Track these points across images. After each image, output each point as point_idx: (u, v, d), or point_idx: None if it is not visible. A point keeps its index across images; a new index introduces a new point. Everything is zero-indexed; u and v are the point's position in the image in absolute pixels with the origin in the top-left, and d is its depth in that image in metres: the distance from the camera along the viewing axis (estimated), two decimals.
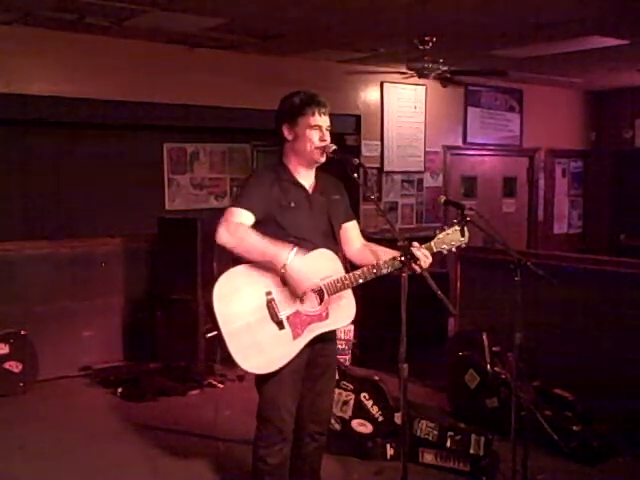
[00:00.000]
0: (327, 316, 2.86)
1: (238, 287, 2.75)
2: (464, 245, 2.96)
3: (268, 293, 2.76)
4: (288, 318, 2.78)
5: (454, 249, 2.95)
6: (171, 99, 6.16)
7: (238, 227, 2.75)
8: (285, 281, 2.73)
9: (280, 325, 2.77)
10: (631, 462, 3.99)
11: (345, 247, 3.05)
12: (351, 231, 3.12)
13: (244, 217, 2.79)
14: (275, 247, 2.70)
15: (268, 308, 2.76)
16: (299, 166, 2.94)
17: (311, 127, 2.86)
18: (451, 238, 2.92)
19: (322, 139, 2.88)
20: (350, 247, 3.08)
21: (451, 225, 2.93)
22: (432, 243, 2.89)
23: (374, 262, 2.85)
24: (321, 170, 3.02)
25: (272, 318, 2.76)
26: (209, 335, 2.75)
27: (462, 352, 4.65)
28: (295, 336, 2.79)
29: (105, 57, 5.77)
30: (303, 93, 2.92)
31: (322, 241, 2.92)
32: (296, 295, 2.76)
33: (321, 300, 2.84)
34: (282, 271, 2.69)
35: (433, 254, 2.87)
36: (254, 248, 2.72)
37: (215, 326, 2.71)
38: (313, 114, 2.86)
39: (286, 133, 2.90)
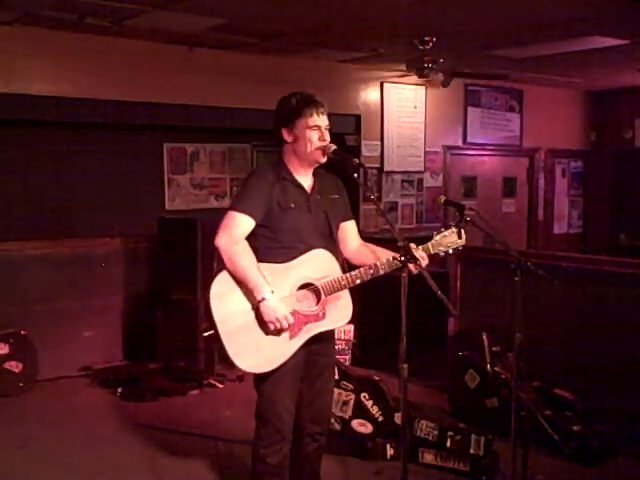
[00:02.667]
0: (324, 316, 2.86)
1: (235, 286, 2.76)
2: (460, 247, 2.97)
3: None
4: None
5: (451, 251, 2.96)
6: (171, 99, 6.16)
7: (238, 242, 2.77)
8: (259, 313, 2.74)
9: None
10: (631, 462, 3.99)
11: (342, 246, 3.05)
12: (349, 230, 3.11)
13: (245, 223, 2.80)
14: (258, 281, 2.71)
15: None
16: (299, 167, 2.94)
17: (310, 128, 2.85)
18: (448, 240, 2.93)
19: (322, 139, 2.87)
20: (348, 246, 3.08)
21: (448, 227, 2.95)
22: (429, 245, 2.91)
23: (372, 262, 2.86)
24: (320, 168, 3.01)
25: None
26: (206, 334, 2.76)
27: (462, 352, 4.65)
28: (292, 336, 2.79)
29: (105, 57, 5.77)
30: (300, 94, 2.90)
31: (321, 242, 2.92)
32: (268, 327, 2.74)
33: (318, 300, 2.84)
34: (259, 304, 2.71)
35: (430, 256, 2.89)
36: (242, 270, 2.73)
37: (212, 325, 2.72)
38: (311, 115, 2.85)
39: (285, 135, 2.89)
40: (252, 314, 2.75)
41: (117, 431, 4.53)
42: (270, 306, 2.70)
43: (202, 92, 6.27)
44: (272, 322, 2.71)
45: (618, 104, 9.11)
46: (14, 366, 5.25)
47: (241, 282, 2.75)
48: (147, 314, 5.97)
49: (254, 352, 2.74)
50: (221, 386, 5.38)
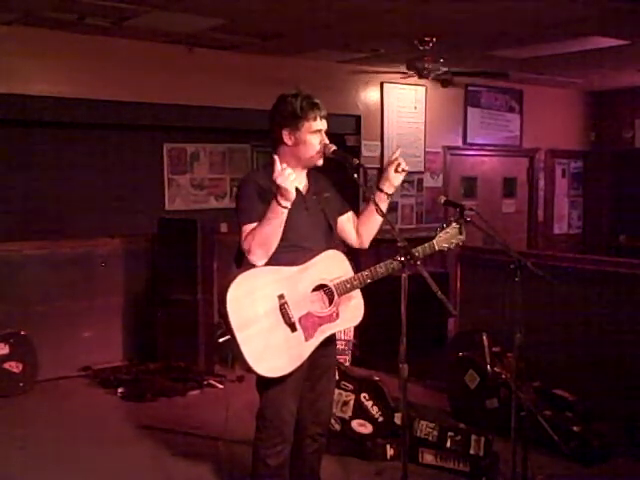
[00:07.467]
0: (337, 316, 2.87)
1: (252, 290, 2.73)
2: (461, 243, 3.05)
3: (281, 296, 2.74)
4: (300, 320, 2.77)
5: (453, 247, 3.03)
6: (171, 99, 6.16)
7: (252, 236, 2.72)
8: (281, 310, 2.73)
9: (292, 327, 2.76)
10: (631, 462, 3.99)
11: (349, 239, 3.09)
12: (350, 222, 3.12)
13: None
14: (271, 207, 2.67)
15: (281, 311, 2.75)
16: (293, 169, 2.92)
17: (313, 132, 2.86)
18: (451, 235, 3.00)
19: (321, 142, 2.88)
20: (353, 237, 3.11)
21: (449, 223, 3.01)
22: (434, 242, 2.98)
23: (368, 225, 2.98)
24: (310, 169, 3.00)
25: (285, 321, 2.75)
26: (222, 340, 2.73)
27: (462, 352, 4.65)
28: (307, 337, 2.79)
29: (105, 57, 5.77)
30: (302, 97, 2.87)
31: (323, 241, 2.93)
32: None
33: (331, 301, 2.85)
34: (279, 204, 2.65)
35: (435, 252, 2.97)
36: (269, 227, 2.68)
37: (228, 330, 2.69)
38: (315, 119, 2.85)
39: (286, 138, 2.86)
40: (270, 318, 2.73)
41: (117, 431, 4.53)
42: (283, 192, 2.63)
43: (202, 92, 6.27)
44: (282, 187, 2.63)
45: (618, 104, 9.11)
46: (14, 366, 5.26)
47: (278, 225, 2.68)
48: (147, 314, 5.98)
49: (271, 356, 2.72)
50: (221, 386, 5.38)
